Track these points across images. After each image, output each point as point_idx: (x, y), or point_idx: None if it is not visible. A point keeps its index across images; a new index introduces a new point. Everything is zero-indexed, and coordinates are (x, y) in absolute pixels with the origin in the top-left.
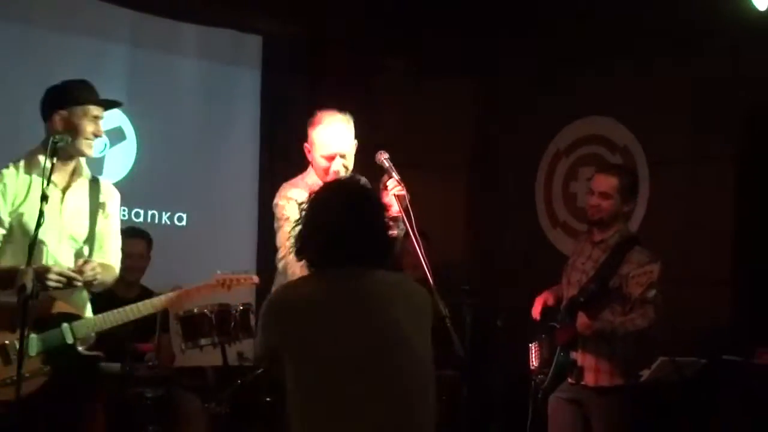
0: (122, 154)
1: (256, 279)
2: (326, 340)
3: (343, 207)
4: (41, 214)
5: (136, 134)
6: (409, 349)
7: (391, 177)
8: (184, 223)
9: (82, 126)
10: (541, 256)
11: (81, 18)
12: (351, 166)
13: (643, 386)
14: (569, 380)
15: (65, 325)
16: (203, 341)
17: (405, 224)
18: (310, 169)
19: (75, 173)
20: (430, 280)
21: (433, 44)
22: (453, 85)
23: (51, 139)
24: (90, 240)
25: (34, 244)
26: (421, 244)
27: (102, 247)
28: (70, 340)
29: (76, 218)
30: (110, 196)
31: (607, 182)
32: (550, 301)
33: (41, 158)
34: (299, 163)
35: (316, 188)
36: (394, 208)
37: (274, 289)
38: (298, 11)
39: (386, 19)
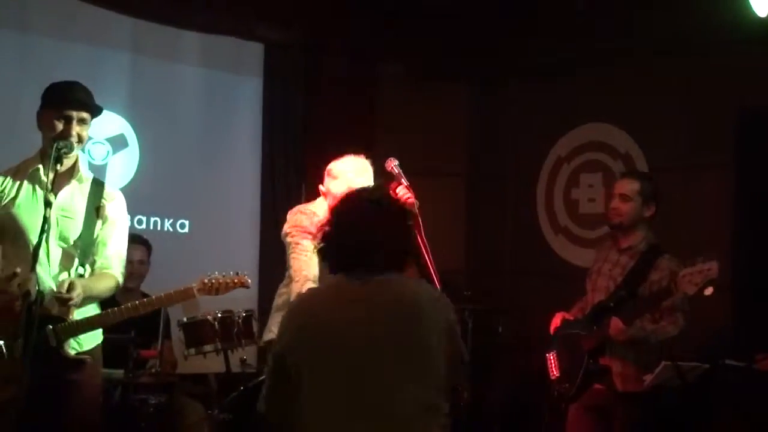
0: (125, 161)
1: (247, 281)
2: (323, 351)
3: (355, 213)
4: (45, 220)
5: (138, 141)
6: (404, 370)
7: (400, 184)
8: (186, 230)
9: (54, 127)
10: (543, 262)
11: (82, 25)
12: None
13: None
14: (596, 386)
15: (49, 327)
16: (206, 347)
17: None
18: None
19: (69, 175)
20: (437, 286)
21: (434, 50)
22: (454, 92)
23: (55, 145)
24: (83, 242)
25: (38, 249)
26: (428, 249)
27: (102, 253)
28: (53, 343)
29: (66, 219)
30: (112, 199)
31: (628, 185)
32: (570, 316)
33: (34, 163)
34: (300, 169)
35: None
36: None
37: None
38: (299, 19)
39: (386, 26)
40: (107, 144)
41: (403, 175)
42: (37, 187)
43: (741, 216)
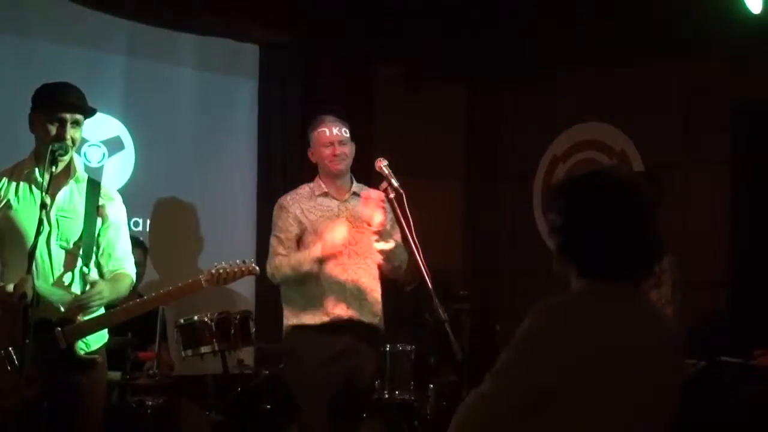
0: (121, 163)
1: (255, 269)
2: (595, 380)
3: (627, 204)
4: (41, 222)
5: (134, 144)
6: (662, 413)
7: (390, 183)
8: (182, 232)
9: (48, 130)
10: (540, 261)
11: (78, 28)
12: (351, 156)
13: None
14: None
15: (58, 330)
16: (203, 349)
17: (405, 230)
18: (316, 179)
19: (66, 176)
20: (429, 285)
21: (429, 50)
22: (450, 91)
23: (50, 148)
24: (84, 242)
25: (33, 253)
26: (419, 248)
27: (111, 255)
28: (63, 345)
29: (66, 220)
30: (110, 200)
31: None
32: None
33: (29, 165)
34: (296, 171)
35: (319, 190)
36: (377, 220)
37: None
38: (294, 20)
39: (381, 29)
40: (103, 146)
41: (392, 175)
42: (33, 189)
43: (737, 213)
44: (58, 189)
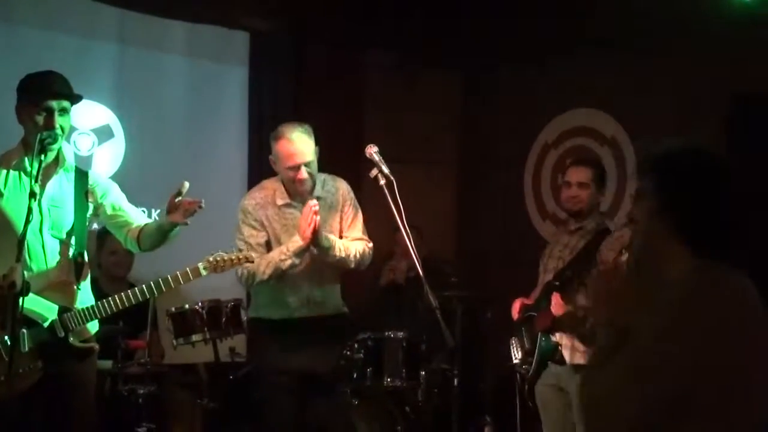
0: (111, 151)
1: (252, 257)
2: (728, 376)
3: (730, 182)
4: (30, 211)
5: (124, 132)
6: None
7: (380, 170)
8: None
9: (36, 121)
10: (531, 248)
11: (67, 16)
12: (315, 171)
13: None
14: (551, 364)
15: (55, 318)
16: (195, 337)
17: (398, 219)
18: (280, 185)
19: (55, 165)
20: (420, 272)
21: (420, 39)
22: (440, 79)
23: (39, 136)
24: (76, 231)
25: (23, 241)
26: (410, 235)
27: (128, 219)
28: (61, 334)
29: (57, 209)
30: (98, 181)
31: (584, 173)
32: (529, 301)
33: (18, 154)
34: None
35: (282, 200)
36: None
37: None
38: (285, 7)
39: (373, 15)
40: (93, 135)
41: (383, 161)
42: (23, 178)
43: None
44: (48, 178)
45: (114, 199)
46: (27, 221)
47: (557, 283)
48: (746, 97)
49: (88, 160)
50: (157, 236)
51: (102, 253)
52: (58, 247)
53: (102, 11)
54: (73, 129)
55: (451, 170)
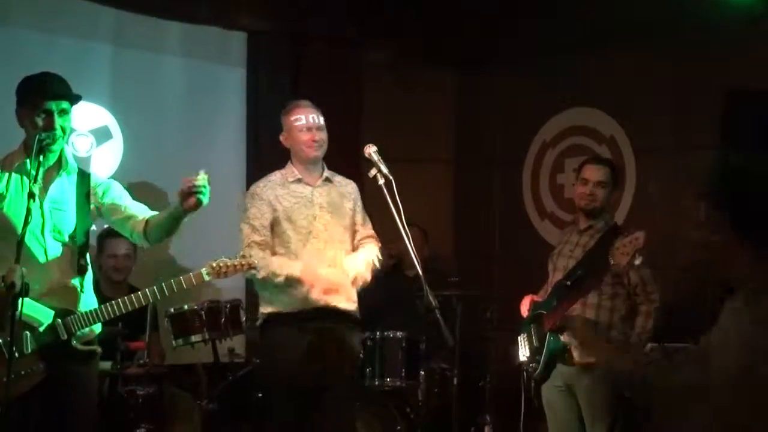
0: (109, 153)
1: (255, 263)
2: None
3: None
4: (29, 212)
5: (122, 133)
6: None
7: (379, 170)
8: None
9: (36, 123)
10: (529, 247)
11: (64, 17)
12: (326, 149)
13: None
14: (560, 364)
15: (58, 321)
16: (194, 338)
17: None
18: (288, 165)
19: (57, 167)
20: (419, 271)
21: (418, 37)
22: (439, 78)
23: (37, 137)
24: (78, 233)
25: (21, 242)
26: (409, 234)
27: (131, 213)
28: (63, 336)
29: (58, 212)
30: (99, 181)
31: (602, 172)
32: (538, 298)
33: (19, 156)
34: (285, 159)
35: (292, 176)
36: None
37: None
38: (281, 7)
39: (369, 11)
40: (91, 136)
41: (381, 161)
42: (24, 180)
43: None
44: (51, 181)
45: (115, 195)
46: (26, 222)
47: (568, 283)
48: (744, 96)
49: (86, 161)
50: (168, 225)
51: (102, 256)
52: (60, 250)
53: (99, 12)
54: (71, 130)
55: (449, 169)
